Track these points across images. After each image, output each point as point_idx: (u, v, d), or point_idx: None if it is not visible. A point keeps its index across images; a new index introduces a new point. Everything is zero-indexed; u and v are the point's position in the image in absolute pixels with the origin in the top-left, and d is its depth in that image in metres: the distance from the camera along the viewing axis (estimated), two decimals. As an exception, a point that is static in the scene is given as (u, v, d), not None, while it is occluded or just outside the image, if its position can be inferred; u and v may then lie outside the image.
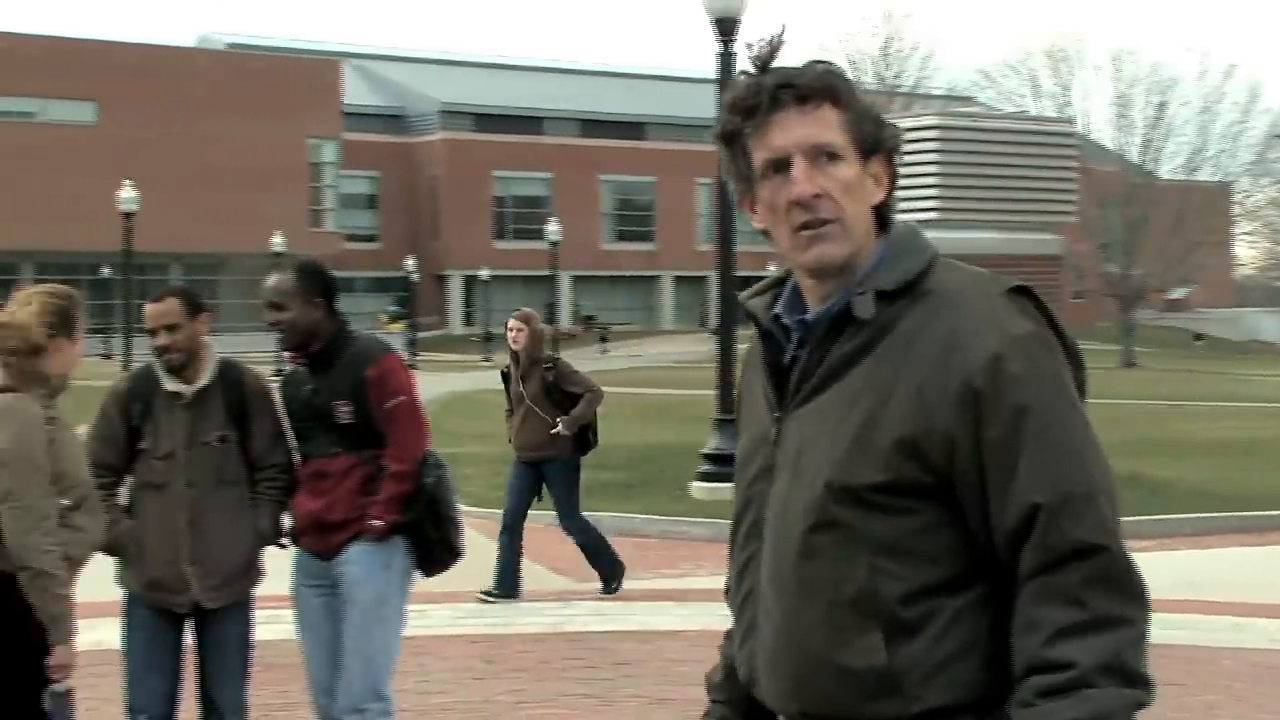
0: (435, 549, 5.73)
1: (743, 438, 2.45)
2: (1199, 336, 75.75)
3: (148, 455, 5.50)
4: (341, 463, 5.56)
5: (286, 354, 5.64)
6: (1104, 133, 64.02)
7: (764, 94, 2.24)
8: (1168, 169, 63.58)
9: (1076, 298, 60.01)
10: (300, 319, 5.49)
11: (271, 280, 5.58)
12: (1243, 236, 79.36)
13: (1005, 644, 2.15)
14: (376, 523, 5.56)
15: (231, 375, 5.59)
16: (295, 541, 5.78)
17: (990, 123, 18.85)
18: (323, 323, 5.54)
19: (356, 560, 5.58)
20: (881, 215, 2.31)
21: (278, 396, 5.75)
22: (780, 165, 2.25)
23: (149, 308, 5.52)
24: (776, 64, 2.28)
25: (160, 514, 5.48)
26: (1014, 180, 16.80)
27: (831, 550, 2.20)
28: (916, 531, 2.17)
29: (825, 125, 2.24)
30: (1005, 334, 2.17)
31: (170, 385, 5.50)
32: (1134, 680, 2.09)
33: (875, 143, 2.28)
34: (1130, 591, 2.13)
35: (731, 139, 2.30)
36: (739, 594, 2.38)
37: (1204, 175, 64.10)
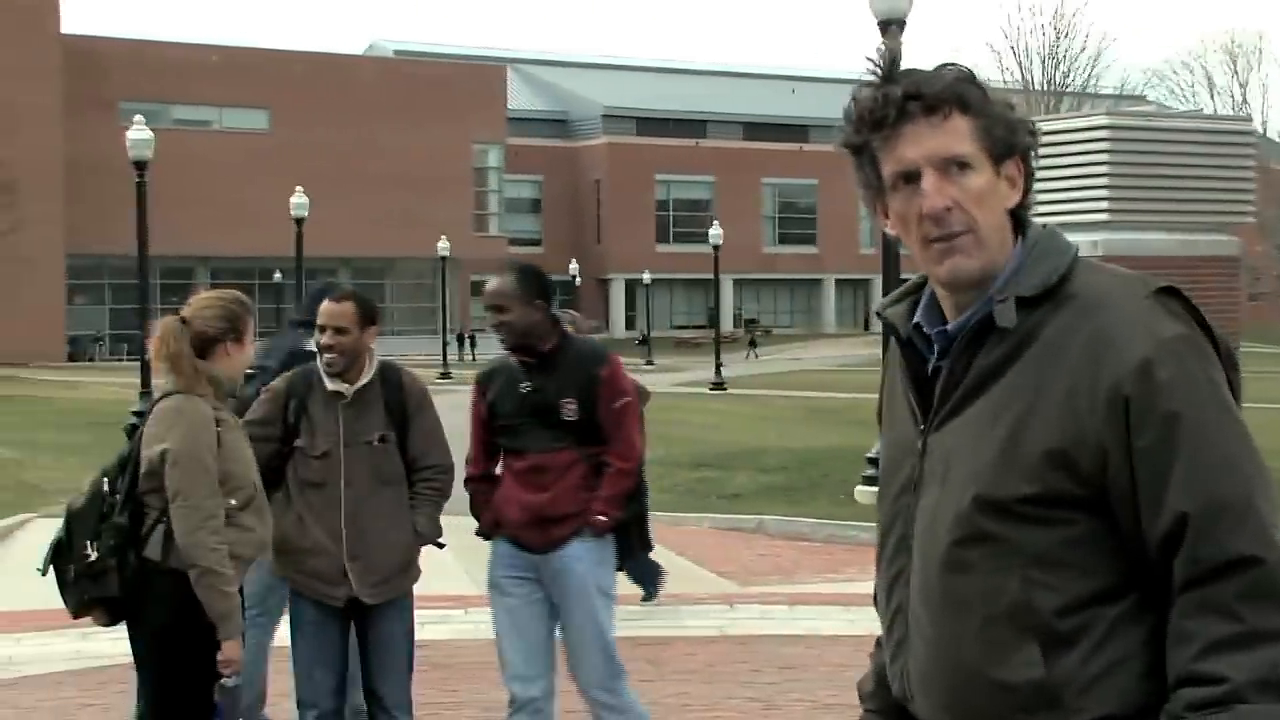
0: (634, 544, 5.96)
1: (886, 445, 2.42)
2: None
3: (304, 453, 5.61)
4: (565, 458, 5.66)
5: (512, 355, 5.73)
6: (1282, 130, 62.31)
7: (891, 105, 2.19)
8: (1351, 167, 61.70)
9: (1253, 300, 58.54)
10: (520, 320, 5.59)
11: (493, 283, 5.69)
12: None
13: (1163, 651, 2.10)
14: (602, 519, 5.69)
15: (392, 377, 5.69)
16: (487, 536, 5.85)
17: (1163, 121, 18.39)
18: (542, 324, 5.65)
19: (581, 556, 5.71)
20: (1018, 218, 2.26)
21: (474, 395, 5.82)
22: (910, 177, 2.21)
23: (326, 306, 5.62)
24: (901, 70, 2.23)
25: (319, 511, 5.59)
26: (1188, 180, 16.37)
27: (983, 564, 2.15)
28: (1070, 542, 2.12)
29: (955, 135, 2.19)
30: (1155, 337, 2.10)
31: (331, 385, 5.60)
32: None
33: (1008, 147, 2.23)
34: None
35: (859, 149, 2.27)
36: (889, 609, 2.35)
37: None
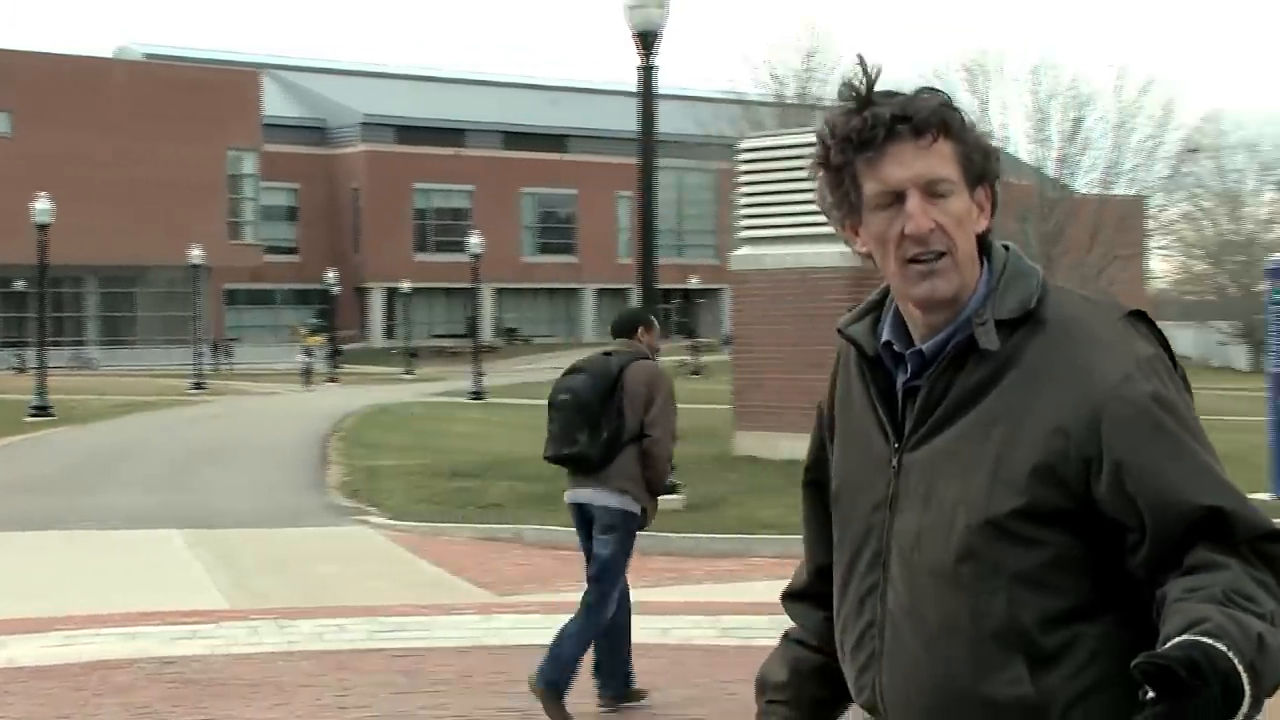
0: None
1: (845, 459, 2.44)
2: None
3: None
4: None
5: None
6: (1021, 146, 64.72)
7: (881, 126, 2.23)
8: (1084, 183, 64.26)
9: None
10: None
11: None
12: (1157, 251, 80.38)
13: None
14: None
15: None
16: None
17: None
18: None
19: None
20: (981, 240, 2.33)
21: None
22: (894, 198, 2.26)
23: None
24: (878, 91, 2.26)
25: None
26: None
27: (972, 583, 2.21)
28: (1052, 563, 2.19)
29: (940, 159, 2.25)
30: (1134, 356, 2.20)
31: None
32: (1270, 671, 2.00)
33: (983, 173, 2.30)
34: None
35: (840, 168, 2.29)
36: (858, 622, 2.36)
37: (1119, 189, 64.81)
